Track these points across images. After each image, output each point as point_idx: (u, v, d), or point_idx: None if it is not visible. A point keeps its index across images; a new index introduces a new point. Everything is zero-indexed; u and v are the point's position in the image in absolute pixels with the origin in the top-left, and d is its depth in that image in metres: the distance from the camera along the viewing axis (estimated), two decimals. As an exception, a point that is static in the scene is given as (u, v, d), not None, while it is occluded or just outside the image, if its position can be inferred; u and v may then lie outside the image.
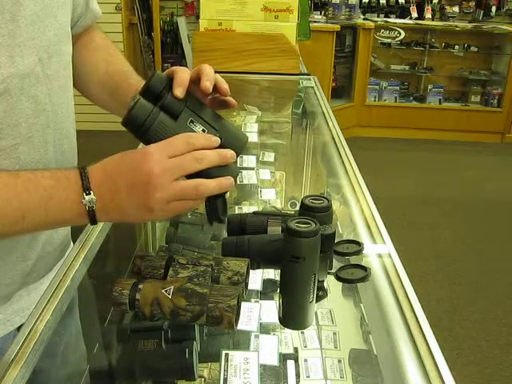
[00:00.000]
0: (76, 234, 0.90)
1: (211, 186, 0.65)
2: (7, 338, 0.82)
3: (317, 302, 0.70)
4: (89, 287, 0.90)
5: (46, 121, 0.76)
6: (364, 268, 0.75)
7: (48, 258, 0.88)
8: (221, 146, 0.67)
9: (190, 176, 0.65)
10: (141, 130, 0.66)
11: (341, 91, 5.27)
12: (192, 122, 0.69)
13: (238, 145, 0.72)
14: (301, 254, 0.64)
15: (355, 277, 0.74)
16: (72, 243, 0.98)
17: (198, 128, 0.69)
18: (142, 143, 0.69)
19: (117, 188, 0.63)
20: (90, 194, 0.62)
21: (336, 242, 0.75)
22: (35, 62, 0.72)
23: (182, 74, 0.70)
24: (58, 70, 0.79)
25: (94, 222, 0.65)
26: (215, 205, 0.70)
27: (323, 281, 0.75)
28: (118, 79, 0.90)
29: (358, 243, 0.80)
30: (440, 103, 5.39)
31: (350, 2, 4.91)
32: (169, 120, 0.67)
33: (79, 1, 0.88)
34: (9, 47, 0.67)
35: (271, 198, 1.30)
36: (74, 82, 0.87)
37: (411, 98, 5.49)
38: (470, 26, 5.27)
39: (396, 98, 5.40)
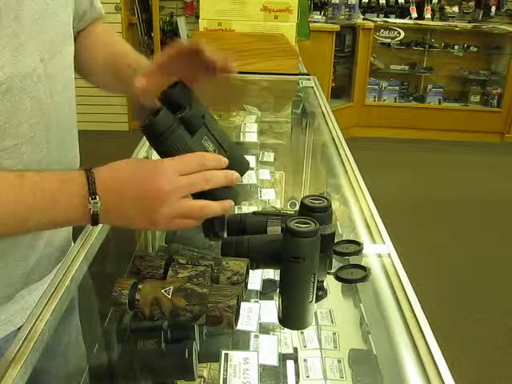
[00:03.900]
0: (77, 234, 0.90)
1: (215, 208, 0.66)
2: (8, 339, 0.83)
3: (316, 302, 0.70)
4: (89, 287, 0.90)
5: (48, 120, 0.77)
6: (364, 268, 0.75)
7: (49, 258, 0.88)
8: (226, 168, 0.69)
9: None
10: (158, 140, 0.67)
11: (340, 91, 5.26)
12: (206, 140, 0.70)
13: (242, 168, 0.74)
14: (300, 254, 0.64)
15: (355, 277, 0.74)
16: (73, 243, 0.98)
17: (211, 147, 0.70)
18: (154, 150, 0.69)
19: (124, 196, 0.64)
20: (95, 198, 0.62)
21: (336, 242, 0.75)
22: (37, 61, 0.72)
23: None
24: (60, 69, 0.79)
25: (95, 224, 0.65)
26: (212, 221, 0.71)
27: (323, 281, 0.75)
28: (119, 60, 0.90)
29: (358, 243, 0.80)
30: (440, 103, 5.39)
31: (349, 2, 4.91)
32: (186, 135, 0.68)
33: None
34: (12, 46, 0.67)
35: (271, 198, 1.30)
36: (79, 68, 0.88)
37: (411, 98, 5.49)
38: (469, 26, 5.27)
39: (396, 98, 5.40)
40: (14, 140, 0.72)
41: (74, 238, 0.93)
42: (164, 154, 0.67)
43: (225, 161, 0.68)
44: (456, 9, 5.42)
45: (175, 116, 0.68)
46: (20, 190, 0.61)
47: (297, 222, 0.66)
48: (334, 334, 0.92)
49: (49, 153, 0.78)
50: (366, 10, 5.37)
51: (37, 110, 0.74)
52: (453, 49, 5.34)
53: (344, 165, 1.21)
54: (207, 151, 0.69)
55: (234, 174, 0.68)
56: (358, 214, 0.99)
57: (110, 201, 0.63)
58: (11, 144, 0.71)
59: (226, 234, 0.76)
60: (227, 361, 0.69)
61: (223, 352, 0.70)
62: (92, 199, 0.62)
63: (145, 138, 0.69)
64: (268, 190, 1.32)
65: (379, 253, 0.86)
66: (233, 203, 0.69)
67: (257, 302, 0.84)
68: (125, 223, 0.68)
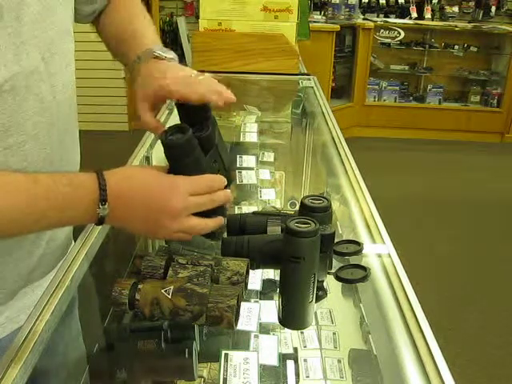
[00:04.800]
0: (77, 232, 0.90)
1: (211, 225, 0.71)
2: (12, 337, 0.82)
3: (316, 302, 0.70)
4: (89, 287, 0.90)
5: (50, 118, 0.78)
6: (364, 268, 0.75)
7: (51, 256, 0.89)
8: None
9: None
10: (178, 158, 0.69)
11: (340, 91, 5.27)
12: (215, 161, 0.73)
13: (230, 182, 0.77)
14: (300, 254, 0.64)
15: (355, 277, 0.74)
16: (73, 242, 0.99)
17: (216, 168, 0.73)
18: (168, 162, 0.71)
19: (133, 205, 0.66)
20: (105, 204, 0.64)
21: (336, 242, 0.75)
22: (38, 60, 0.73)
23: None
24: (61, 67, 0.80)
25: (100, 224, 0.67)
26: None
27: (323, 281, 0.75)
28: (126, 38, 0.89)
29: (358, 243, 0.80)
30: (440, 103, 5.39)
31: (349, 2, 4.91)
32: (202, 156, 0.70)
33: None
34: (14, 45, 0.68)
35: (271, 198, 1.30)
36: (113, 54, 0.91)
37: (411, 98, 5.49)
38: (469, 26, 5.27)
39: (396, 98, 5.40)
40: (18, 138, 0.72)
41: (75, 237, 0.93)
42: (177, 168, 0.69)
43: (225, 181, 0.72)
44: (456, 9, 5.42)
45: (195, 134, 0.69)
46: (33, 192, 0.63)
47: (297, 222, 0.66)
48: (334, 333, 0.91)
49: (52, 151, 0.79)
50: (365, 10, 5.37)
51: (39, 108, 0.75)
52: (453, 49, 5.34)
53: (344, 165, 1.21)
54: (214, 171, 0.72)
55: (230, 193, 0.72)
56: (358, 214, 0.99)
57: (119, 207, 0.65)
58: (15, 142, 0.72)
59: (226, 234, 0.77)
60: (227, 361, 0.69)
61: (223, 352, 0.70)
62: (102, 205, 0.64)
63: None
64: (268, 189, 1.32)
65: (379, 253, 0.86)
66: (223, 220, 0.73)
67: (257, 302, 0.84)
68: (127, 227, 0.71)
